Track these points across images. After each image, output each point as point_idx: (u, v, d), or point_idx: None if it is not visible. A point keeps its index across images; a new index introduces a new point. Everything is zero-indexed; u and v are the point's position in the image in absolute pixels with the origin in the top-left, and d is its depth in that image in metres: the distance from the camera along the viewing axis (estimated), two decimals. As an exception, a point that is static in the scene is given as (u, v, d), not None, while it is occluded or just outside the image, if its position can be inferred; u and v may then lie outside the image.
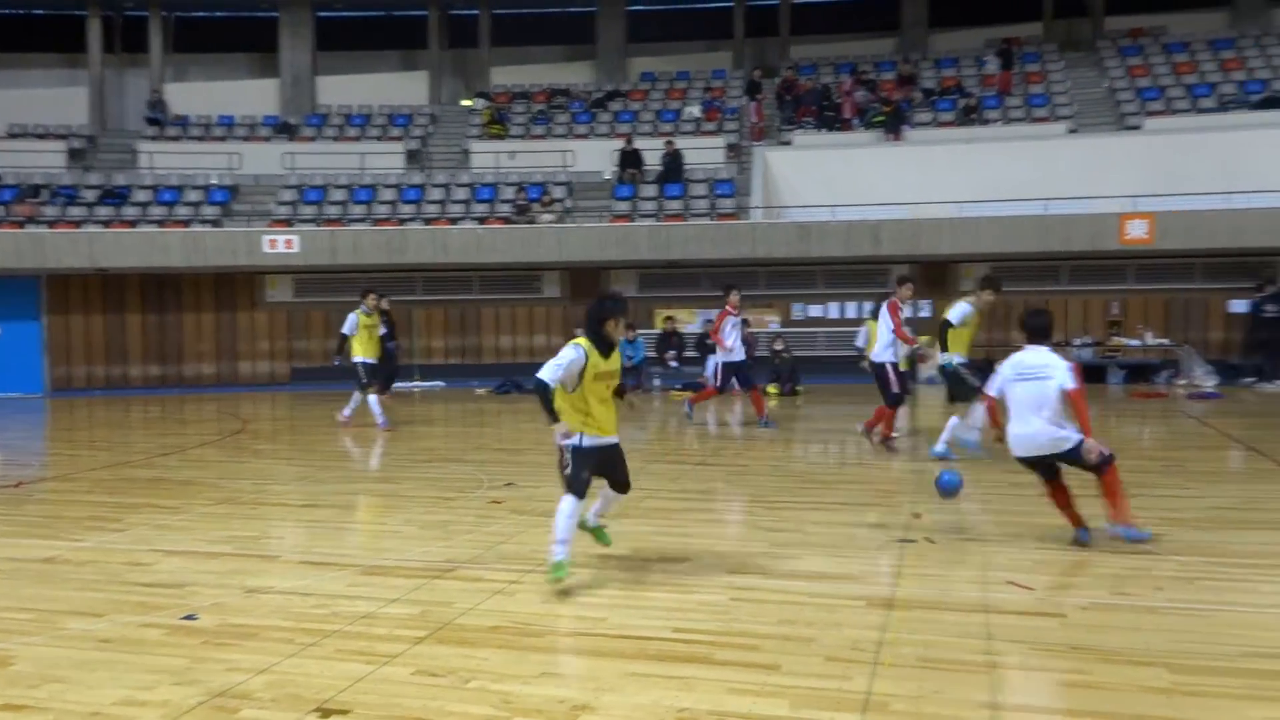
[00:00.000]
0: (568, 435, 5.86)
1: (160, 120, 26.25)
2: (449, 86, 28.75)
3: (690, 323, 21.39)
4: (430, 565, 6.57)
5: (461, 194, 23.53)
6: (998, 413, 6.94)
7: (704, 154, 23.64)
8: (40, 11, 28.75)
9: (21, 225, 21.62)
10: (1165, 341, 20.01)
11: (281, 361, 22.80)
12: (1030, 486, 8.92)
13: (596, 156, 23.85)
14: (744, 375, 13.66)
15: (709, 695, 4.30)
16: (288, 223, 22.16)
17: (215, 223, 22.41)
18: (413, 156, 25.37)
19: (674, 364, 19.68)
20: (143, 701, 4.36)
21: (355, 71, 28.37)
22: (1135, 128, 22.50)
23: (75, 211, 22.55)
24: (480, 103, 26.90)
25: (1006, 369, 6.86)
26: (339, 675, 4.61)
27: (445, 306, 22.40)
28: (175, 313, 22.44)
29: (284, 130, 25.87)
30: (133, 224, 22.13)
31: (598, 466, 6.03)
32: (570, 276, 22.19)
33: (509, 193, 22.99)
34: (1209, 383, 17.79)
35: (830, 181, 21.50)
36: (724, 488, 9.38)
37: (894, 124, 23.04)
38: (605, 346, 5.96)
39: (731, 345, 13.38)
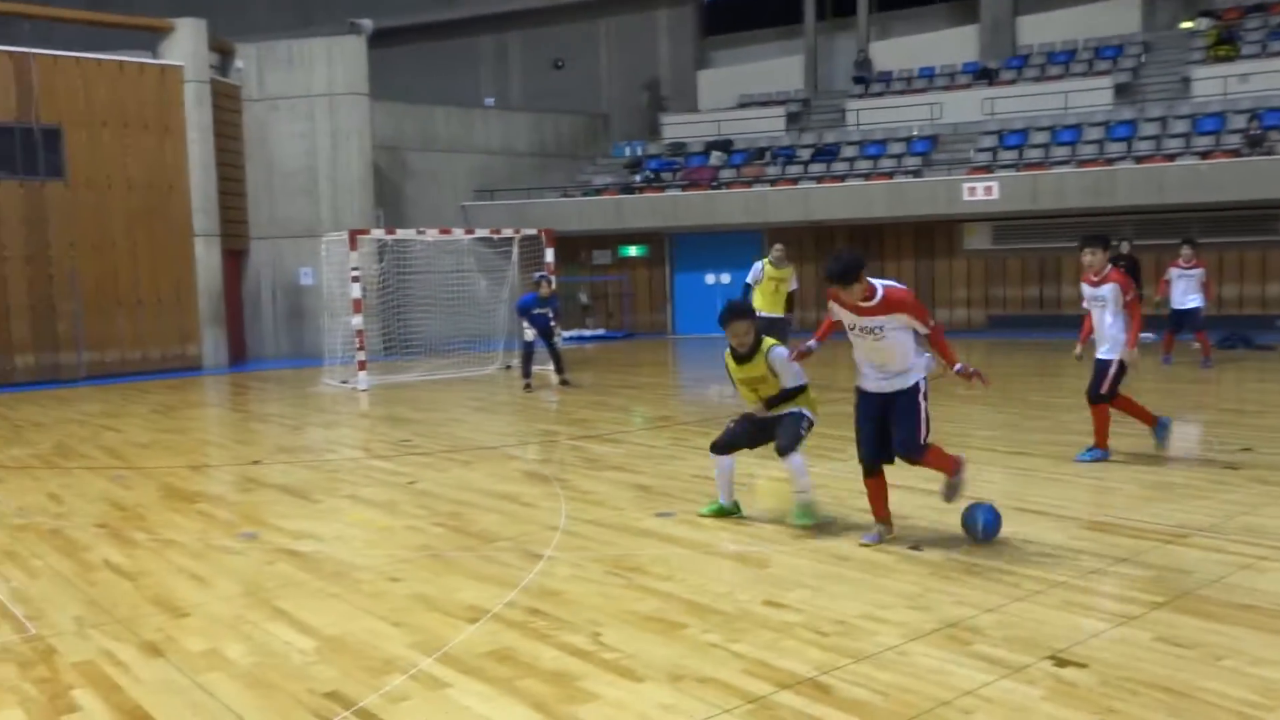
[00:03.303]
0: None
1: (865, 79, 27.70)
2: (1165, 9, 26.09)
3: None
4: (1159, 528, 6.10)
5: (1180, 127, 21.31)
6: None
7: None
8: (761, -12, 31.99)
9: (749, 185, 24.37)
10: None
11: (978, 309, 22.89)
12: None
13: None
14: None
15: None
16: (987, 169, 22.04)
17: (916, 173, 23.08)
18: (1122, 90, 23.56)
19: None
20: (882, 619, 4.66)
21: (1059, 6, 27.06)
22: None
23: (792, 170, 24.81)
24: (1204, 22, 24.03)
25: None
26: (1070, 627, 4.49)
27: (1158, 252, 20.46)
28: (877, 261, 23.62)
29: (983, 76, 25.69)
30: (841, 179, 23.71)
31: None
32: (1318, 214, 18.97)
33: (1239, 121, 20.25)
34: None
35: None
36: None
37: None
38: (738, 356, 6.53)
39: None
